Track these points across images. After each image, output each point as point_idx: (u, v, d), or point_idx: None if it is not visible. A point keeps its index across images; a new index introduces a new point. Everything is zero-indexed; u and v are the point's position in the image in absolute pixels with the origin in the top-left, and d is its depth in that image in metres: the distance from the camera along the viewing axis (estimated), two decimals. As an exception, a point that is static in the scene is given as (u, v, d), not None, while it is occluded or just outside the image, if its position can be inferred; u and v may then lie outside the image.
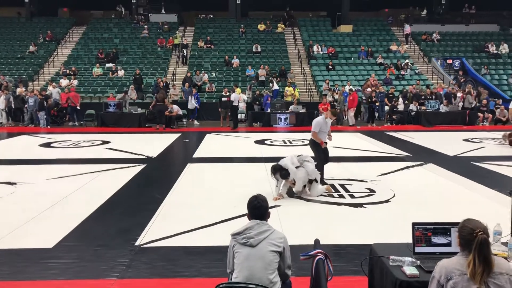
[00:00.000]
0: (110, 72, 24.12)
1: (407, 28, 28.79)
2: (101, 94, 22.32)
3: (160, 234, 5.74)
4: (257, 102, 20.32)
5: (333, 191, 7.75)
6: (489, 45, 27.26)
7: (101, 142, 14.23)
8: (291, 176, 7.27)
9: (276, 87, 22.13)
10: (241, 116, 19.78)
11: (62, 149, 13.11)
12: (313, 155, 8.28)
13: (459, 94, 20.04)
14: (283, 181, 7.36)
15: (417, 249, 3.34)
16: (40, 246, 5.36)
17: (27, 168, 10.28)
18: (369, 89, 19.66)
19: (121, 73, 24.00)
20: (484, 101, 19.93)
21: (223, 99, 18.40)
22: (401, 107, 19.74)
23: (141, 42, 27.92)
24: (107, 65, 24.77)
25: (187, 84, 21.40)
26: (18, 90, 19.89)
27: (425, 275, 3.01)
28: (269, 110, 19.00)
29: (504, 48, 27.23)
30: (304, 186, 7.47)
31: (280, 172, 7.25)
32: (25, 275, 4.58)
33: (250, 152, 12.40)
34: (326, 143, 8.42)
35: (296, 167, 7.28)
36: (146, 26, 29.09)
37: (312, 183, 7.41)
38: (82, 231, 5.95)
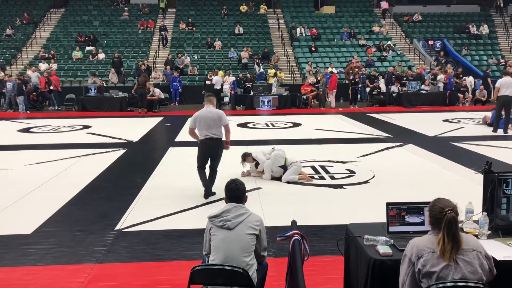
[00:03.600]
0: (90, 56, 23.71)
1: (383, 3, 28.84)
2: (81, 78, 21.98)
3: (141, 218, 5.74)
4: (240, 86, 20.22)
5: (311, 180, 7.48)
6: (470, 26, 27.46)
7: (81, 126, 14.07)
8: (260, 166, 7.60)
9: (261, 70, 22.04)
10: (226, 99, 19.68)
11: (42, 134, 12.93)
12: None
13: (439, 77, 20.18)
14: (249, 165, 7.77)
15: (391, 229, 3.39)
16: (19, 232, 5.32)
17: (5, 154, 10.14)
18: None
19: (101, 56, 23.61)
20: (464, 82, 20.15)
21: (208, 82, 18.26)
22: (382, 86, 19.85)
23: (121, 24, 27.44)
24: (87, 48, 24.33)
25: (168, 67, 21.16)
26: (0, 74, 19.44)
27: (398, 254, 3.05)
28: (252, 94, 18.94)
29: (484, 29, 27.45)
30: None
31: (247, 158, 7.68)
32: (3, 262, 4.55)
33: (233, 135, 12.29)
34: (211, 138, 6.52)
35: (267, 159, 7.55)
36: (126, 8, 28.57)
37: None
38: (61, 216, 5.91)
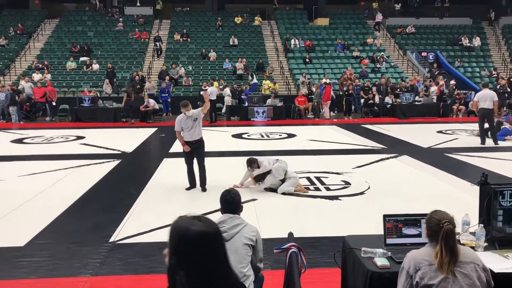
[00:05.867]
0: (84, 66, 23.69)
1: (379, 16, 29.13)
2: (75, 88, 21.91)
3: (135, 230, 5.69)
4: (235, 96, 20.22)
5: (307, 191, 7.48)
6: (462, 38, 27.74)
7: (75, 137, 13.99)
8: (258, 170, 7.52)
9: (255, 80, 22.12)
10: (225, 109, 19.66)
11: (35, 145, 12.84)
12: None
13: (432, 88, 20.33)
14: (247, 173, 7.70)
15: (388, 241, 3.38)
16: (11, 244, 5.25)
17: (-2, 165, 10.05)
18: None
19: (95, 67, 23.59)
20: (460, 94, 20.33)
21: (202, 92, 18.23)
22: (376, 98, 19.97)
23: (116, 35, 27.47)
24: (81, 58, 24.30)
25: (167, 77, 21.17)
26: None
27: (396, 266, 3.04)
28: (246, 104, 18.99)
29: (477, 41, 27.75)
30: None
31: (253, 164, 7.53)
32: (-5, 275, 4.49)
33: (227, 146, 12.38)
34: (193, 142, 7.54)
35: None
36: (121, 19, 28.60)
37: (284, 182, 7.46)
38: (55, 228, 5.85)
